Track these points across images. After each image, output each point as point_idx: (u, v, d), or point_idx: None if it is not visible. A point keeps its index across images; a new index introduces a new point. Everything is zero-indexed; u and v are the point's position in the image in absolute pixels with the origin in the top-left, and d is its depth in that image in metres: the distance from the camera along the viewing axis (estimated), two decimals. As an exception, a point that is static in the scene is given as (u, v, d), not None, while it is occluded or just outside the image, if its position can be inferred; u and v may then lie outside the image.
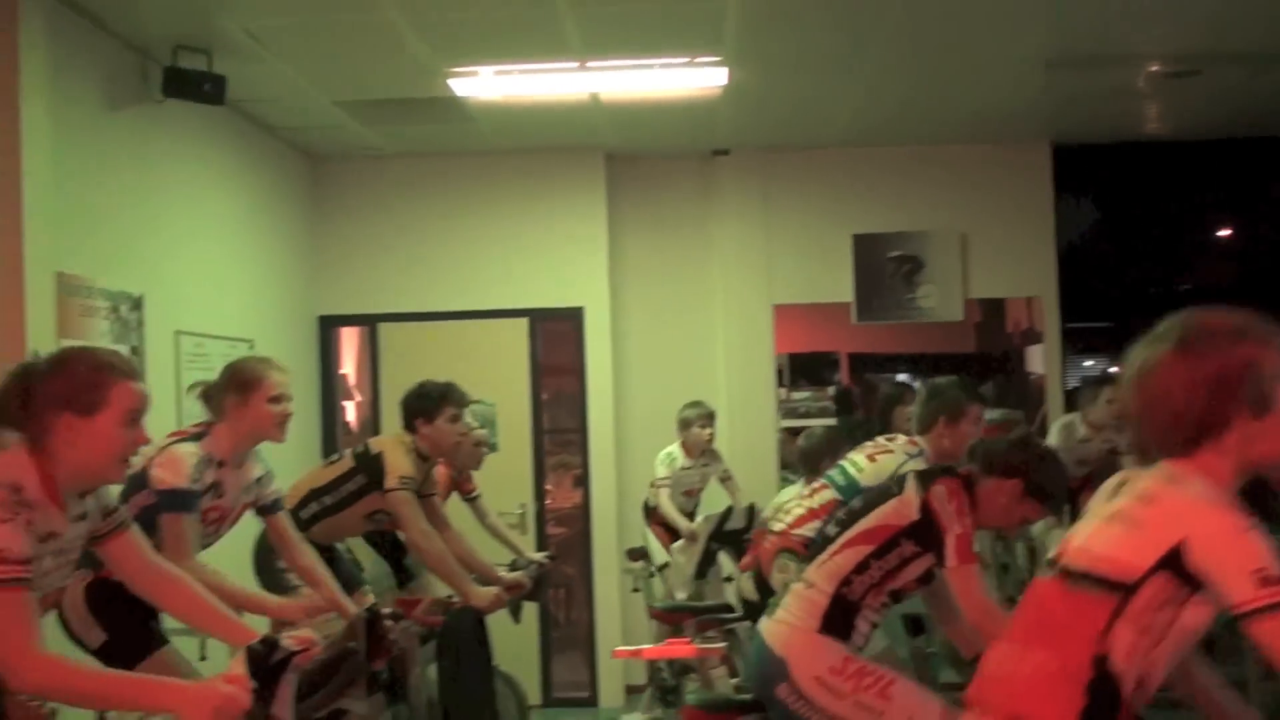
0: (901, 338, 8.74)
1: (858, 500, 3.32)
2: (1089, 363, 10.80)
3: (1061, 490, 3.33)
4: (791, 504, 4.39)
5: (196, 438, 3.74)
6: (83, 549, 2.71)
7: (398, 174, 7.26)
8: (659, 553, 6.56)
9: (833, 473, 4.32)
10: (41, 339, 4.12)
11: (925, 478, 3.22)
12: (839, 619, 3.09)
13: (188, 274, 5.50)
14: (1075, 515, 5.80)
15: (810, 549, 3.32)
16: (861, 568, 3.12)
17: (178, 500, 3.54)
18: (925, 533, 3.13)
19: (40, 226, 4.17)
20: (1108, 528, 1.96)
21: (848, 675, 3.01)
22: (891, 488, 3.26)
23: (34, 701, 3.38)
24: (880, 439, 4.27)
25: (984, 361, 8.84)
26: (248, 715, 2.44)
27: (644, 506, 6.66)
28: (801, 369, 7.70)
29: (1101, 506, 2.02)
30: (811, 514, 4.21)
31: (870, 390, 8.29)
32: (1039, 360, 7.98)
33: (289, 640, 2.66)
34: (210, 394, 3.88)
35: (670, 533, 6.49)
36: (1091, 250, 8.15)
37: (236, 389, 3.81)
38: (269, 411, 3.82)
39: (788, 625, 3.11)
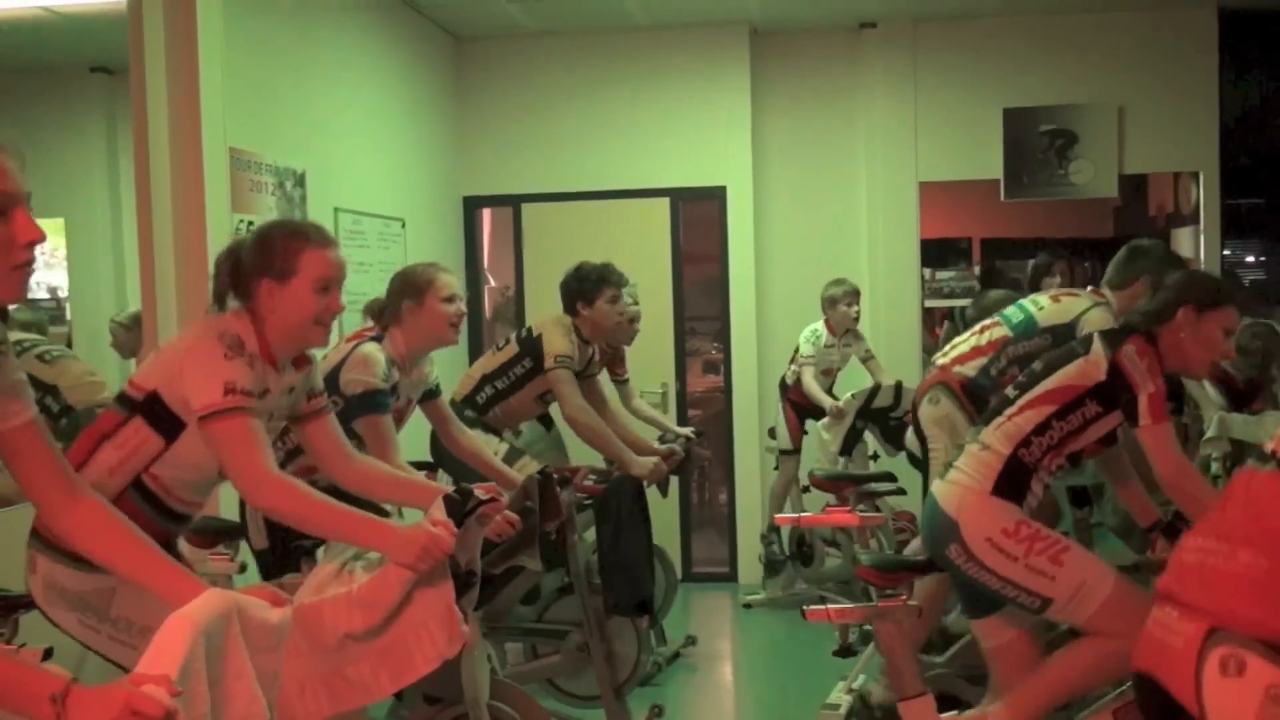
0: (1035, 222, 8.52)
1: (1039, 363, 3.21)
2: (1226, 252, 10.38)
3: (1228, 284, 3.20)
4: (959, 340, 4.32)
5: (377, 339, 3.77)
6: (284, 422, 2.88)
7: (541, 52, 7.24)
8: (784, 438, 6.56)
9: (1009, 310, 4.25)
10: (217, 211, 4.26)
11: (1113, 337, 3.12)
12: (1013, 481, 3.03)
13: (344, 152, 5.60)
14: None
15: (985, 412, 3.23)
16: (1042, 429, 3.04)
17: (374, 401, 3.57)
18: (1113, 393, 3.05)
19: (214, 102, 4.28)
20: None
21: (1020, 538, 2.97)
22: (1076, 348, 3.16)
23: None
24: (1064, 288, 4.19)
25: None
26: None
27: (780, 383, 6.66)
28: (931, 255, 7.53)
29: None
30: (976, 351, 4.15)
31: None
32: (1186, 244, 7.72)
33: (480, 490, 2.76)
34: (382, 307, 3.90)
35: (800, 419, 6.49)
36: (1256, 123, 7.77)
37: (412, 293, 3.82)
38: (443, 312, 3.81)
39: (960, 486, 3.06)
